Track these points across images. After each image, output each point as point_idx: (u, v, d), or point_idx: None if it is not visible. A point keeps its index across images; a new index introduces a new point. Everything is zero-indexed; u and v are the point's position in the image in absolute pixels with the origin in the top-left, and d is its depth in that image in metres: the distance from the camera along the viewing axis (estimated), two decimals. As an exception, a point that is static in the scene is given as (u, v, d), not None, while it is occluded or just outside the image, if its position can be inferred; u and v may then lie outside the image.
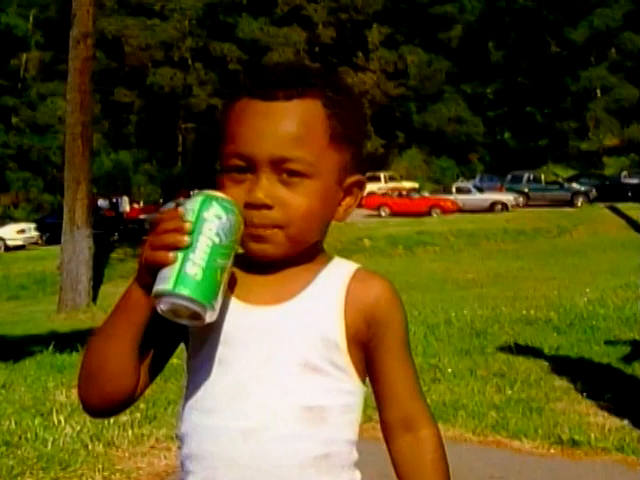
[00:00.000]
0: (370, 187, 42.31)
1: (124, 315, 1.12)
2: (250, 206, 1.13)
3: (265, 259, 1.16)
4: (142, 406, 4.42)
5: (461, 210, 35.69)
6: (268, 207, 1.13)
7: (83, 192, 17.77)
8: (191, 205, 1.08)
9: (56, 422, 4.20)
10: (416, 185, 44.08)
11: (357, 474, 1.19)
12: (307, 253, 1.18)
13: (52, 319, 16.54)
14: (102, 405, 1.16)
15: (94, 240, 18.41)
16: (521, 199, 37.58)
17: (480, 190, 38.41)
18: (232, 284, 1.14)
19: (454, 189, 38.59)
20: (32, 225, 36.31)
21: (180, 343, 1.21)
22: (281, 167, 1.13)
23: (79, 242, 17.74)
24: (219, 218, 1.07)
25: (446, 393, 4.80)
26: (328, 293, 1.17)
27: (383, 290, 1.18)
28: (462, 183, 41.26)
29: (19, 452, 3.75)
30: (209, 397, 1.16)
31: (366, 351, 1.18)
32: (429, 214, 35.47)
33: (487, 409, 4.42)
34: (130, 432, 4.03)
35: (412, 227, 30.61)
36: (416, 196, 39.05)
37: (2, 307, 20.61)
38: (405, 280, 16.59)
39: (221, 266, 1.06)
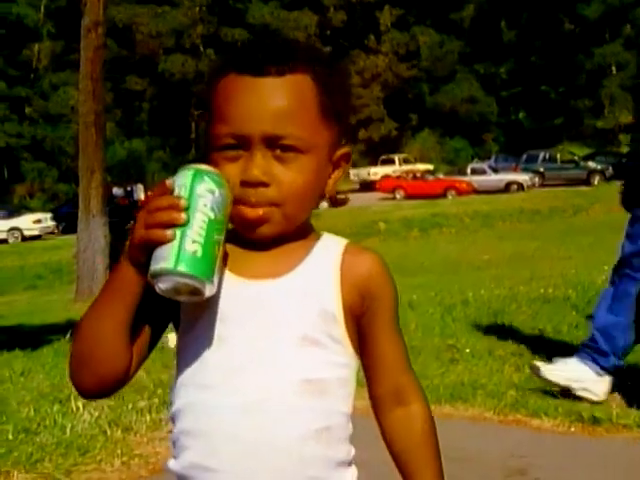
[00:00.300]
0: (384, 170, 42.34)
1: (116, 295, 1.10)
2: (246, 184, 1.12)
3: (261, 239, 1.15)
4: (159, 391, 4.42)
5: (476, 191, 35.59)
6: (265, 185, 1.12)
7: (97, 181, 17.77)
8: (182, 180, 1.06)
9: (74, 408, 4.20)
10: (430, 167, 43.97)
11: (352, 449, 1.19)
12: (299, 230, 1.18)
13: (69, 308, 16.57)
14: (96, 388, 1.15)
15: (109, 228, 18.47)
16: (537, 179, 37.43)
17: (495, 171, 38.30)
18: (226, 259, 1.12)
19: (469, 170, 38.48)
20: (48, 215, 36.49)
21: (170, 322, 1.19)
22: (276, 143, 1.12)
23: (94, 231, 17.79)
24: (212, 193, 1.05)
25: (464, 373, 4.77)
26: (324, 267, 1.16)
27: (375, 264, 1.19)
28: (477, 164, 41.11)
29: (38, 439, 3.76)
30: (204, 373, 1.14)
31: (359, 324, 1.18)
32: (444, 196, 35.41)
33: (506, 388, 4.39)
34: (148, 417, 4.03)
35: (427, 209, 30.53)
36: (431, 178, 38.98)
37: (19, 297, 20.73)
38: (421, 262, 16.53)
39: (217, 241, 1.06)
